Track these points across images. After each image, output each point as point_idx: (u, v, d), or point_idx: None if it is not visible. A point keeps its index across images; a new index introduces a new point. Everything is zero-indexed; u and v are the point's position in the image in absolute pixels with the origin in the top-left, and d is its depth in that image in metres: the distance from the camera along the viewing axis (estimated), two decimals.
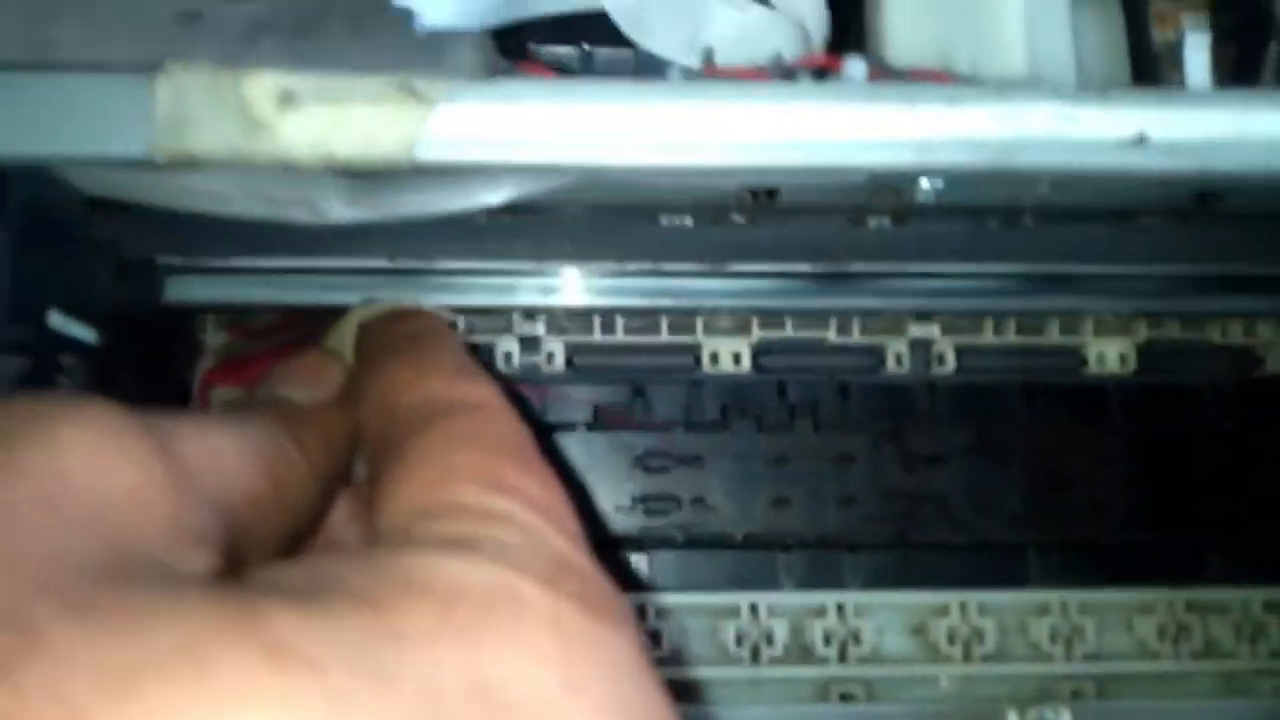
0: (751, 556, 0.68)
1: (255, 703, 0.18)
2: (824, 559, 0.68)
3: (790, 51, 0.48)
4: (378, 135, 0.41)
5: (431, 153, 0.41)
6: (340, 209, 0.47)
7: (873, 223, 0.53)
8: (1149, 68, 0.54)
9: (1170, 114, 0.43)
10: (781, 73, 0.45)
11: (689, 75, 0.45)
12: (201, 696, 0.18)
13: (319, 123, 0.41)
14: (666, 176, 0.42)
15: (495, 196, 0.46)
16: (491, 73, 0.42)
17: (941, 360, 0.66)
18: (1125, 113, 0.43)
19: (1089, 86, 0.51)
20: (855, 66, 0.44)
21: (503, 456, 0.30)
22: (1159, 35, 0.57)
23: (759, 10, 0.49)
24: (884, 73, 0.45)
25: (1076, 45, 0.52)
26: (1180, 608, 0.64)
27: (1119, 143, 0.43)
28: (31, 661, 0.18)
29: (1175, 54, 0.56)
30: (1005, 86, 0.43)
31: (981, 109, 0.42)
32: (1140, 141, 0.43)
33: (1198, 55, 0.55)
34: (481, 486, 0.28)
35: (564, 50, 0.56)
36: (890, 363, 0.66)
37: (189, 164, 0.41)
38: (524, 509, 0.27)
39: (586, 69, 0.56)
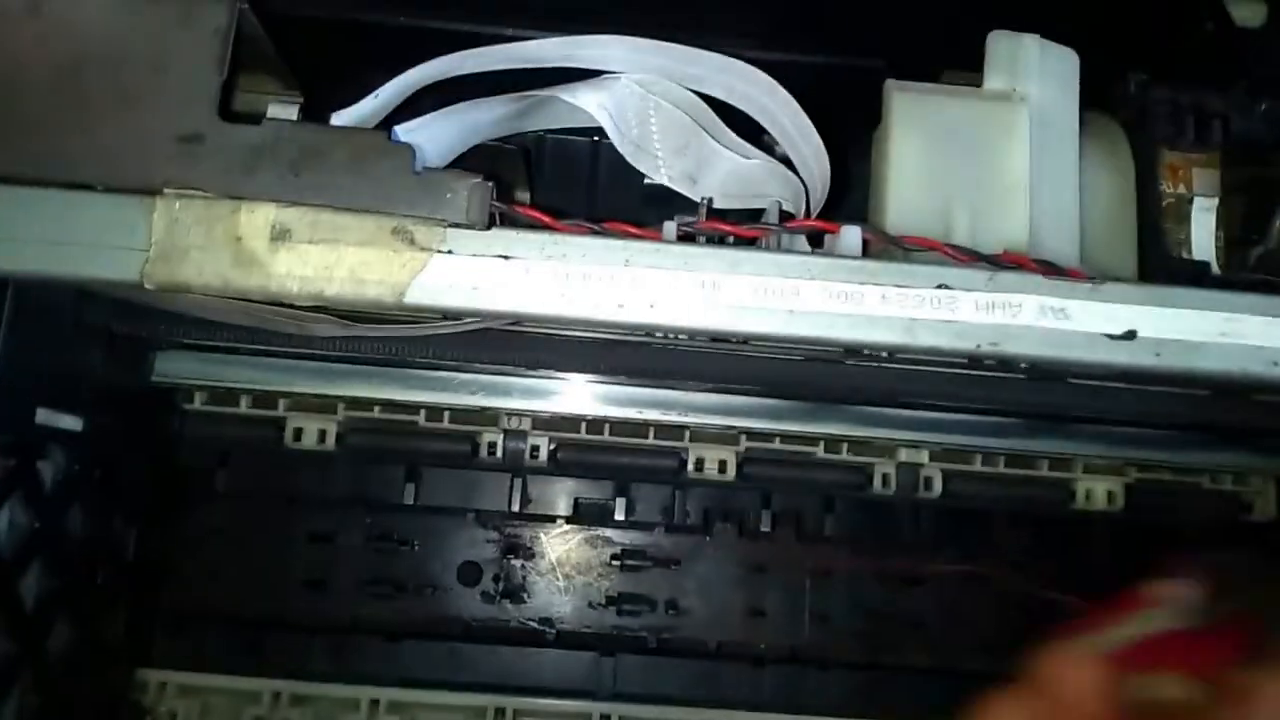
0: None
1: None
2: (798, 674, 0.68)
3: (790, 203, 0.48)
4: (368, 279, 0.41)
5: (422, 298, 0.41)
6: (328, 329, 0.47)
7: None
8: (1153, 228, 0.54)
9: (1161, 311, 0.43)
10: (777, 231, 0.45)
11: (684, 225, 0.45)
12: None
13: (311, 261, 0.41)
14: (650, 331, 0.42)
15: (482, 323, 0.46)
16: (488, 219, 0.42)
17: (929, 485, 0.66)
18: (1115, 308, 0.42)
19: (1091, 253, 0.52)
20: (850, 234, 0.44)
21: None
22: (1168, 188, 0.57)
23: (762, 160, 0.49)
24: (880, 240, 0.45)
25: (1083, 200, 0.52)
26: None
27: (1106, 337, 0.42)
28: None
29: (1183, 209, 0.56)
30: (997, 273, 0.42)
31: (970, 297, 0.42)
32: (1129, 336, 0.42)
33: (1204, 219, 0.55)
34: None
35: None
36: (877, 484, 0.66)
37: (179, 291, 0.41)
38: None
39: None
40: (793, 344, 0.43)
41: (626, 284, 0.41)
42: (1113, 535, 0.69)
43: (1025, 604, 0.69)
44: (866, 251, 0.44)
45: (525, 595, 0.68)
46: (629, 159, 0.51)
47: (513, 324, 0.47)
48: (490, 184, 0.43)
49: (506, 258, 0.41)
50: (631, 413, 0.61)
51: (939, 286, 0.42)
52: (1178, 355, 0.43)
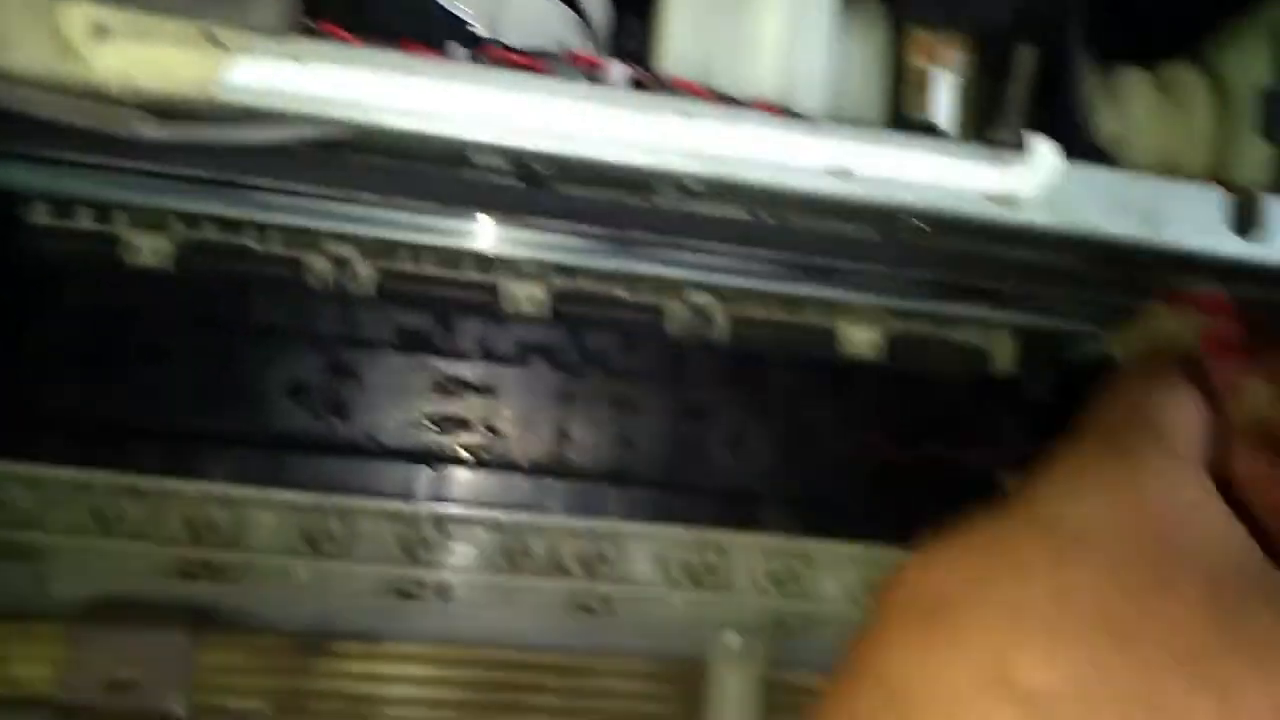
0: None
1: None
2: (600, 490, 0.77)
3: (575, 43, 0.54)
4: (179, 74, 0.46)
5: (226, 95, 0.47)
6: (152, 130, 0.52)
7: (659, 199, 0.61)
8: (898, 96, 0.62)
9: (877, 151, 0.51)
10: (554, 64, 0.51)
11: (469, 55, 0.51)
12: None
13: (127, 56, 0.46)
14: (431, 144, 0.49)
15: (292, 134, 0.52)
16: (289, 29, 0.48)
17: (715, 326, 0.74)
18: (834, 147, 0.50)
19: (844, 110, 0.59)
20: (617, 70, 0.51)
21: None
22: (918, 63, 0.65)
23: (550, 2, 0.55)
24: (647, 80, 0.52)
25: (841, 67, 0.60)
26: (889, 563, 0.75)
27: (826, 172, 0.50)
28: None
29: (926, 83, 0.64)
30: (737, 109, 0.50)
31: (711, 127, 0.49)
32: (843, 175, 0.50)
33: (943, 92, 0.63)
34: None
35: None
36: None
37: (3, 78, 0.46)
38: None
39: None
40: (552, 160, 0.50)
41: (412, 96, 0.47)
42: (875, 381, 0.79)
43: (800, 437, 0.78)
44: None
45: (350, 413, 0.75)
46: None
47: (322, 137, 0.53)
48: None
49: (301, 62, 0.47)
50: (452, 243, 0.68)
51: (684, 116, 0.49)
52: (887, 190, 0.51)
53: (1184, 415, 0.36)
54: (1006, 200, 0.53)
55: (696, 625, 0.72)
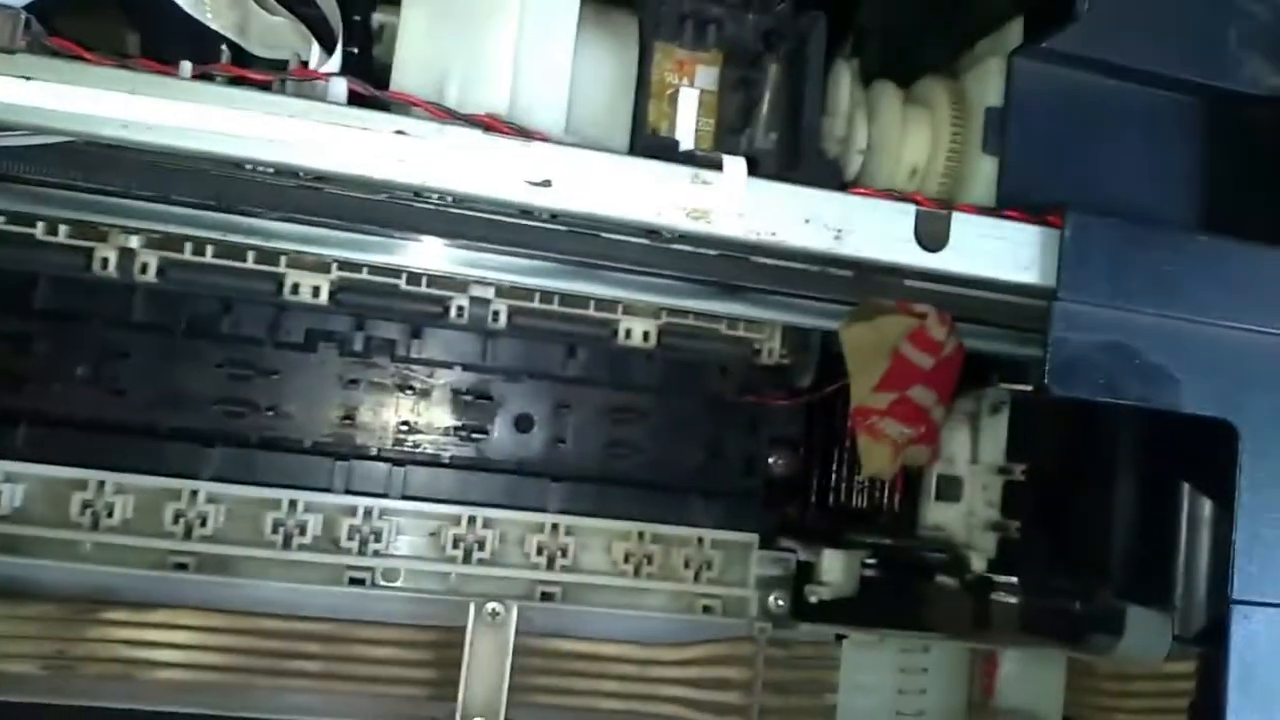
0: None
1: None
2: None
3: (311, 56, 0.58)
4: None
5: None
6: None
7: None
8: (641, 109, 0.66)
9: (578, 166, 0.56)
10: (282, 77, 0.55)
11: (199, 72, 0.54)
12: None
13: None
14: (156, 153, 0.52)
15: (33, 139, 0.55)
16: (17, 46, 0.51)
17: (496, 318, 0.78)
18: (540, 160, 0.55)
19: (585, 125, 0.64)
20: (337, 85, 0.55)
21: None
22: (672, 79, 0.70)
23: (285, 18, 0.58)
24: (366, 91, 0.56)
25: (589, 79, 0.64)
26: (649, 539, 0.80)
27: (528, 182, 0.55)
28: None
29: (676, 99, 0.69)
30: (446, 126, 0.54)
31: (422, 144, 0.53)
32: (545, 184, 0.55)
33: (687, 106, 0.68)
34: None
35: None
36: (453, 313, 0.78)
37: None
38: None
39: None
40: (264, 166, 0.54)
41: (134, 108, 0.51)
42: (650, 364, 0.85)
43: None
44: (355, 101, 0.55)
45: (129, 392, 0.78)
46: (186, 8, 0.60)
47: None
48: (25, 16, 0.51)
49: (27, 79, 0.50)
50: (234, 237, 0.71)
51: (397, 132, 0.54)
52: (584, 203, 0.56)
53: None
54: (701, 214, 0.58)
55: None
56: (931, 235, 0.63)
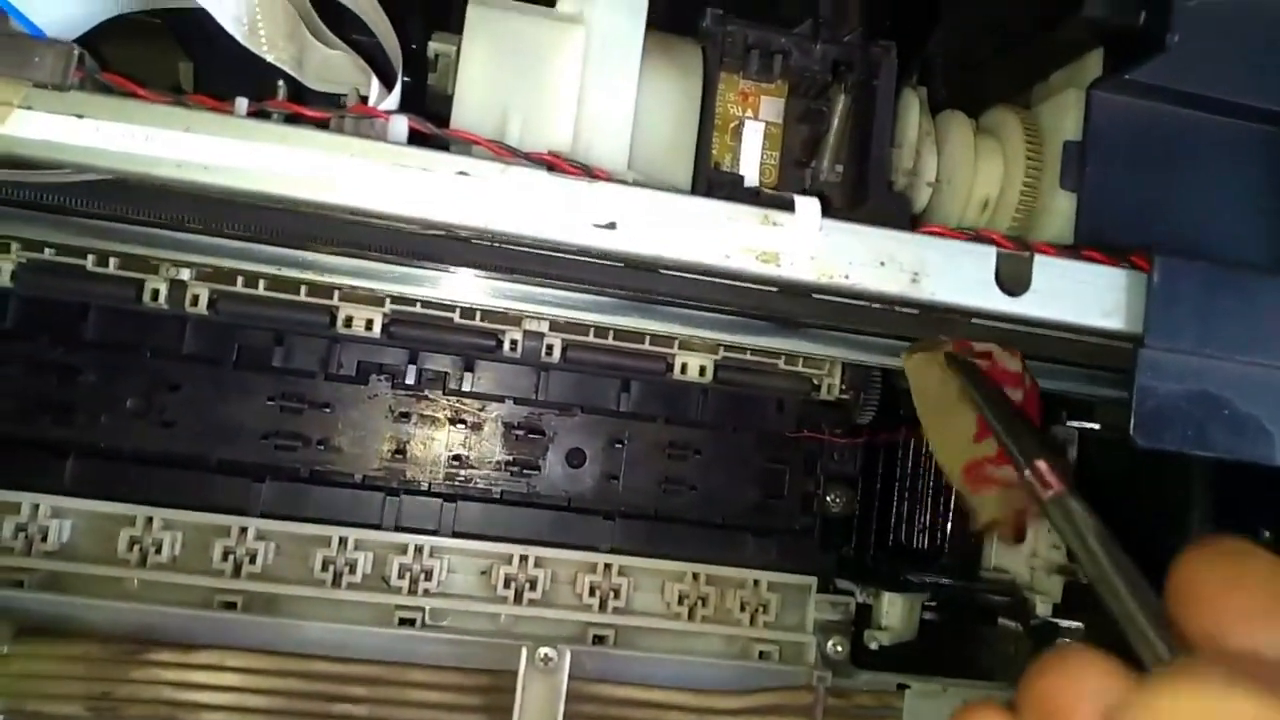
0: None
1: None
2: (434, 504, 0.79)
3: (370, 91, 0.56)
4: None
5: (7, 147, 0.48)
6: None
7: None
8: (706, 143, 0.64)
9: (643, 209, 0.54)
10: (341, 115, 0.53)
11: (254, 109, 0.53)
12: None
13: None
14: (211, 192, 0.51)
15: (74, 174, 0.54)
16: (70, 83, 0.49)
17: (550, 351, 0.76)
18: (605, 202, 0.53)
19: (648, 160, 0.62)
20: (398, 123, 0.53)
21: None
22: (736, 111, 0.68)
23: (344, 51, 0.57)
24: (427, 130, 0.54)
25: (652, 112, 0.62)
26: (703, 580, 0.78)
27: (594, 225, 0.53)
28: None
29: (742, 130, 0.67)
30: (510, 166, 0.52)
31: (486, 185, 0.51)
32: (611, 226, 0.53)
33: (752, 139, 0.66)
34: None
35: None
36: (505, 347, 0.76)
37: None
38: None
39: None
40: (333, 211, 0.52)
41: (187, 147, 0.49)
42: (705, 399, 0.82)
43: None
44: (415, 139, 0.54)
45: (181, 426, 0.77)
46: (243, 41, 0.58)
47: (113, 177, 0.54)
48: (79, 51, 0.50)
49: (80, 116, 0.49)
50: (288, 271, 0.69)
51: (459, 173, 0.52)
52: (650, 246, 0.54)
53: None
54: (771, 258, 0.55)
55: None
56: (1013, 278, 0.60)
